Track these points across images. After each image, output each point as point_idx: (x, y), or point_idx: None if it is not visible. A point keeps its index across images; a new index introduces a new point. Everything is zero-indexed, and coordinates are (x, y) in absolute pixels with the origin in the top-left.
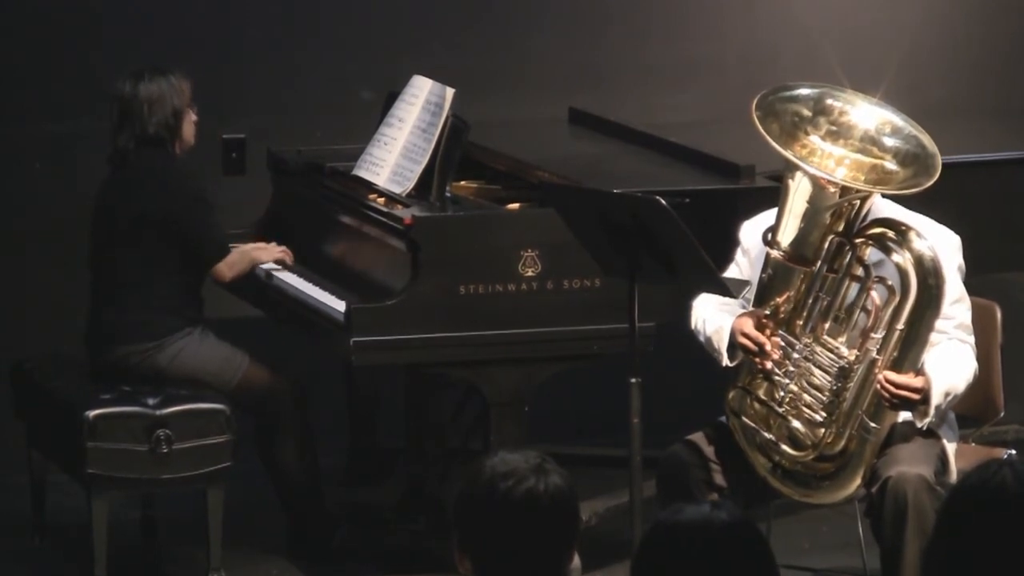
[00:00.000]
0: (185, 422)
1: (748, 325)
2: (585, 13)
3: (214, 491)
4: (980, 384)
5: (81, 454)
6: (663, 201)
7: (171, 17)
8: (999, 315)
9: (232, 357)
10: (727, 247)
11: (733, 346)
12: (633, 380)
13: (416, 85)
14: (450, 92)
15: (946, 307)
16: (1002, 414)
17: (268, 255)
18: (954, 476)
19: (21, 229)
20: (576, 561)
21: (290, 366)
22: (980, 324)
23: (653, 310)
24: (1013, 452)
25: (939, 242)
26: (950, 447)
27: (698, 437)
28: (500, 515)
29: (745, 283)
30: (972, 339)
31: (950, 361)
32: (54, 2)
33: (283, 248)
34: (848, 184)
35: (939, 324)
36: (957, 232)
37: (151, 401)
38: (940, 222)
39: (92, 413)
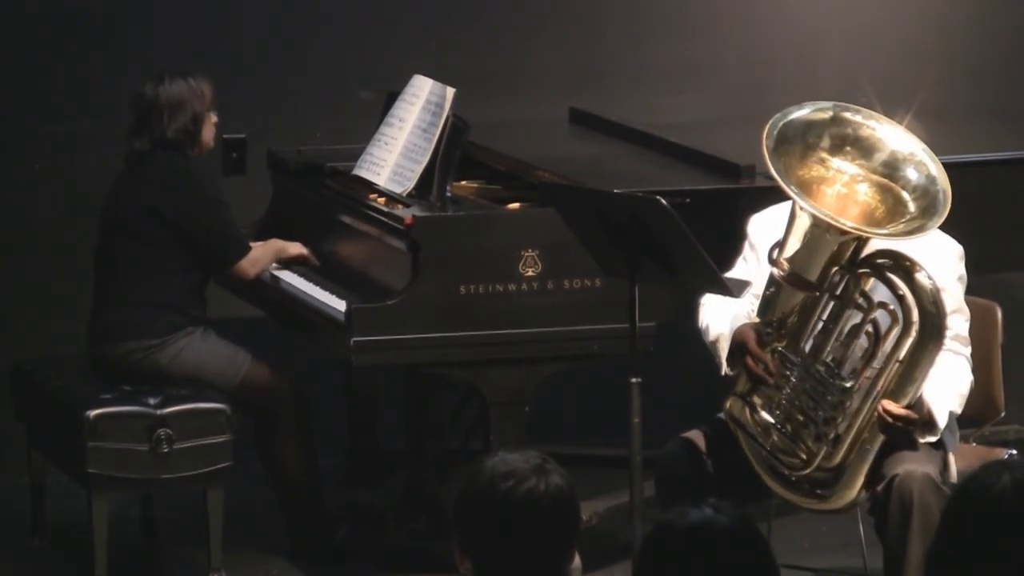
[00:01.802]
0: (185, 422)
1: (751, 340)
2: (585, 13)
3: (214, 491)
4: (980, 384)
5: (81, 454)
6: (663, 201)
7: (171, 17)
8: (999, 315)
9: (234, 356)
10: (727, 247)
11: (732, 353)
12: (633, 380)
13: (416, 85)
14: (450, 92)
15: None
16: (1002, 414)
17: (294, 248)
18: (954, 478)
19: (21, 229)
20: (576, 561)
21: (290, 366)
22: (980, 324)
23: (653, 310)
24: (1014, 452)
25: (941, 251)
26: (951, 451)
27: (695, 434)
28: (500, 515)
29: (746, 283)
30: (968, 350)
31: (948, 380)
32: (54, 3)
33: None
34: (853, 231)
35: None
36: (957, 232)
37: (151, 400)
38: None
39: (92, 413)
